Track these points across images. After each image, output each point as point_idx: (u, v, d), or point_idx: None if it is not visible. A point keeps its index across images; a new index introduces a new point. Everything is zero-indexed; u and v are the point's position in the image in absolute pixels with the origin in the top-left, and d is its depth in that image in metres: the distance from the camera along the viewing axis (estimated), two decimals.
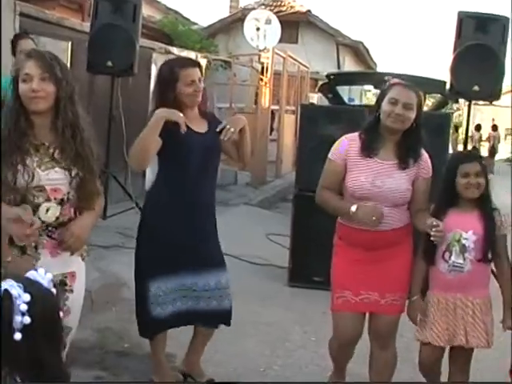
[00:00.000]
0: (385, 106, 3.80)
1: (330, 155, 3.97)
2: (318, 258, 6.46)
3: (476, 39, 6.53)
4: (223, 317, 4.21)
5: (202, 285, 4.09)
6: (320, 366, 4.75)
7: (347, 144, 3.93)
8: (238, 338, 5.02)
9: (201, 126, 4.12)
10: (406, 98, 3.77)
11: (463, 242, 3.85)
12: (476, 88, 6.60)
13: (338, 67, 23.17)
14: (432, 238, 3.72)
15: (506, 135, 31.65)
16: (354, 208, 3.75)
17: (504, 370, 4.09)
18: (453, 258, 3.87)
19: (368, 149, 3.86)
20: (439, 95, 8.39)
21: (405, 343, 4.55)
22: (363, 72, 9.44)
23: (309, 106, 7.30)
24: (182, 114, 3.88)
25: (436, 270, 3.94)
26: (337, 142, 4.00)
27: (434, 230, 3.69)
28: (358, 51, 25.63)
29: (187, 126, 3.90)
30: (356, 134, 3.95)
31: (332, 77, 8.17)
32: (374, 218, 3.72)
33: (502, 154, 27.07)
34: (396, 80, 4.00)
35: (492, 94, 6.74)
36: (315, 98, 16.24)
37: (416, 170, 3.90)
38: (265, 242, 8.88)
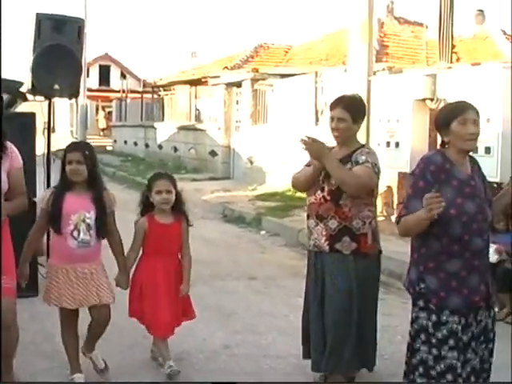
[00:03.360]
0: None
1: None
2: None
3: (54, 40, 6.79)
4: None
5: None
6: None
7: None
8: None
9: None
10: None
11: (87, 221, 4.58)
12: (56, 86, 6.88)
13: None
14: None
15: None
16: None
17: None
18: (81, 235, 4.56)
19: None
20: (8, 94, 8.48)
21: None
22: None
23: None
24: None
25: (66, 246, 4.56)
26: None
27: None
28: None
29: None
30: None
31: None
32: None
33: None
34: None
35: (72, 91, 7.09)
36: None
37: (9, 161, 4.29)
38: None
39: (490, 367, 3.94)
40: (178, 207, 4.95)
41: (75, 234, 4.55)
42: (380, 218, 11.55)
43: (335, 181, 4.52)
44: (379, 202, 11.77)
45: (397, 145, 9.47)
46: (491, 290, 3.86)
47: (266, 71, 17.43)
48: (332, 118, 4.69)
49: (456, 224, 3.76)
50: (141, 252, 4.98)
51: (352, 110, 4.64)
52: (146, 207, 4.96)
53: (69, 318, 4.71)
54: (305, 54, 22.35)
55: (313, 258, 4.76)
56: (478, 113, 3.79)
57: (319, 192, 4.65)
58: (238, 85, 18.08)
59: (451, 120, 3.81)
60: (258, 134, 16.66)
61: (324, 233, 4.62)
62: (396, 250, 9.26)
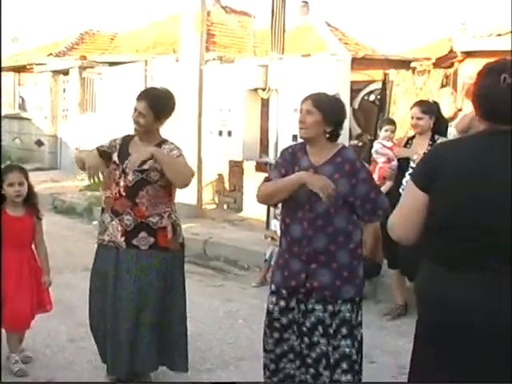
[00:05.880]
0: None
1: None
2: None
3: None
4: None
5: None
6: None
7: None
8: None
9: None
10: None
11: None
12: None
13: None
14: None
15: None
16: None
17: None
18: None
19: None
20: None
21: None
22: None
23: None
24: None
25: None
26: None
27: None
28: None
29: None
30: None
31: None
32: None
33: None
34: None
35: None
36: None
37: None
38: None
39: (346, 363, 3.96)
40: (29, 200, 4.92)
41: None
42: (212, 206, 11.77)
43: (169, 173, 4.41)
44: (210, 190, 11.97)
45: (229, 134, 9.67)
46: (317, 284, 3.93)
47: (95, 59, 17.09)
48: (135, 109, 4.55)
49: (285, 207, 4.03)
50: None
51: (155, 107, 4.51)
52: None
53: None
54: (131, 42, 22.09)
55: (111, 254, 4.55)
56: (314, 102, 3.95)
57: (114, 186, 4.52)
58: (66, 72, 17.62)
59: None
60: (87, 123, 16.35)
61: (120, 228, 4.49)
62: (229, 236, 9.52)
